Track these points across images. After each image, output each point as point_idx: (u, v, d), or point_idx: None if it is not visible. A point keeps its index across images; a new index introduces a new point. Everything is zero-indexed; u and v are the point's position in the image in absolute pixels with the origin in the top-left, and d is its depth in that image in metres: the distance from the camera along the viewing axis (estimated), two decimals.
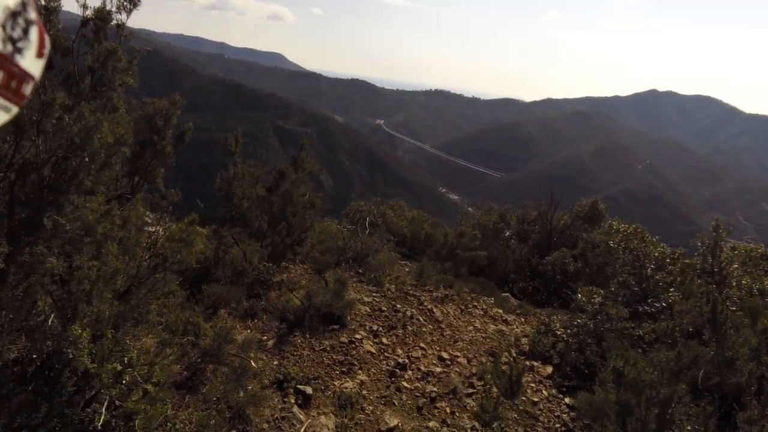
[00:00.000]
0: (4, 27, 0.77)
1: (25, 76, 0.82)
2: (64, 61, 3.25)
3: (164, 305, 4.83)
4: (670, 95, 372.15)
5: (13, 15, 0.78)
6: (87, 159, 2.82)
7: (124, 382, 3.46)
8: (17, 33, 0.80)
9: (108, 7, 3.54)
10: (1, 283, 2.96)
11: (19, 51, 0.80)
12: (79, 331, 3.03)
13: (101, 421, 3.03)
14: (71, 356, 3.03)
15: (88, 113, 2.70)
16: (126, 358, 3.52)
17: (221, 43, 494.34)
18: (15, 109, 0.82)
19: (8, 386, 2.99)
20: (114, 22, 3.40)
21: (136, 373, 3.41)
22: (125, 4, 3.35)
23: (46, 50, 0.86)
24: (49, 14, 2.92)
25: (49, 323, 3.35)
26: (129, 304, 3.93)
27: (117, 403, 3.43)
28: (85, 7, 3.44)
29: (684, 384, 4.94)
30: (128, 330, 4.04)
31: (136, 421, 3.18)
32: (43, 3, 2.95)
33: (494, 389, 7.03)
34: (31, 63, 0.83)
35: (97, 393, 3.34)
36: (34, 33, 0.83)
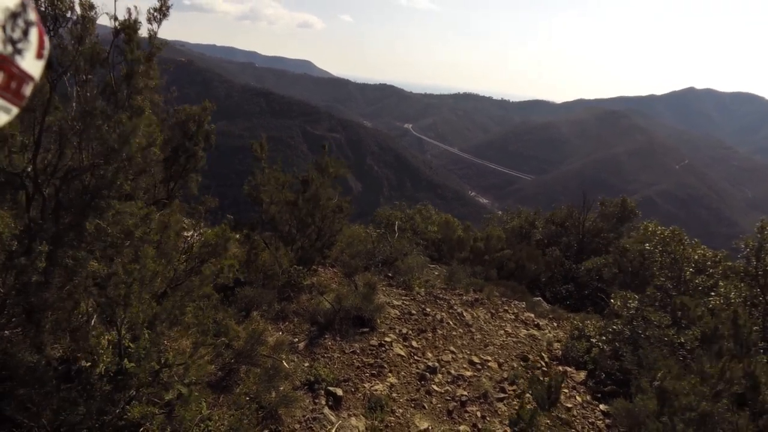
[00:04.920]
0: (4, 28, 0.77)
1: (25, 77, 0.83)
2: (102, 72, 3.41)
3: (199, 307, 4.96)
4: (709, 93, 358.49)
5: (13, 16, 0.78)
6: (125, 164, 2.94)
7: (160, 381, 3.58)
8: (17, 34, 0.80)
9: (134, 17, 3.67)
10: (46, 285, 3.11)
11: (19, 52, 0.81)
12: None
13: (136, 415, 3.13)
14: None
15: (126, 120, 2.83)
16: (163, 358, 3.64)
17: (252, 52, 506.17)
18: (15, 110, 0.83)
19: (52, 384, 3.14)
20: (146, 33, 3.54)
21: (173, 372, 3.52)
22: (155, 14, 3.48)
23: (46, 51, 0.86)
24: (86, 24, 3.06)
25: (92, 324, 3.50)
26: (166, 306, 4.06)
27: (154, 401, 3.54)
28: (115, 18, 3.58)
29: (726, 400, 4.72)
30: (164, 331, 4.18)
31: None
32: (79, 12, 3.10)
33: (527, 394, 6.91)
34: (31, 64, 0.83)
35: (136, 392, 3.46)
36: (33, 34, 0.83)
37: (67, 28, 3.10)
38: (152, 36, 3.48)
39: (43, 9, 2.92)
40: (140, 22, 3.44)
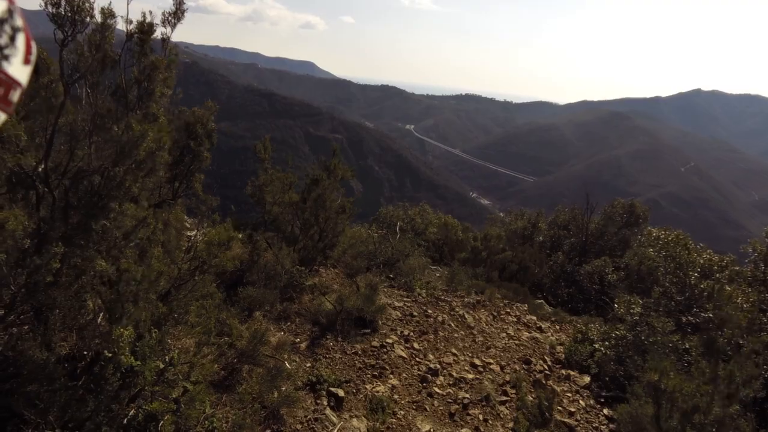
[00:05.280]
0: None
1: (12, 83, 0.82)
2: (113, 74, 3.43)
3: (203, 306, 4.99)
4: (716, 95, 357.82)
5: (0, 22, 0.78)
6: (134, 167, 2.97)
7: (166, 379, 3.61)
8: (4, 40, 0.79)
9: (149, 20, 3.69)
10: (55, 284, 3.14)
11: (5, 58, 0.80)
12: (121, 330, 3.18)
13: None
14: (111, 354, 3.18)
15: (135, 124, 2.86)
16: (168, 357, 3.67)
17: (255, 53, 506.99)
18: (3, 117, 0.82)
19: (59, 381, 3.17)
20: (159, 36, 3.56)
21: (177, 371, 3.55)
22: (170, 18, 3.50)
23: (33, 57, 0.86)
24: (105, 31, 3.09)
25: (98, 322, 3.54)
26: (170, 305, 4.09)
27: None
28: (129, 21, 3.61)
29: (737, 405, 4.70)
30: (169, 330, 4.21)
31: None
32: (99, 21, 3.13)
33: (528, 398, 6.91)
34: (18, 70, 0.83)
35: (141, 390, 3.49)
36: (20, 40, 0.82)
37: (86, 35, 3.11)
38: (166, 39, 3.51)
39: (63, 13, 2.93)
40: (156, 24, 3.46)
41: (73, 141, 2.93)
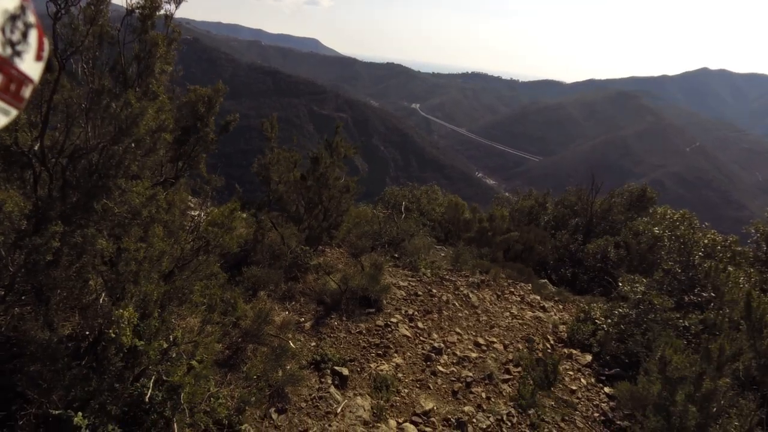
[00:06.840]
0: (3, 30, 0.77)
1: (24, 79, 0.83)
2: (111, 50, 3.35)
3: (206, 286, 4.99)
4: (723, 74, 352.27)
5: (12, 18, 0.78)
6: (133, 144, 2.91)
7: (170, 358, 3.62)
8: (16, 36, 0.80)
9: None
10: (55, 264, 3.12)
11: (18, 54, 0.81)
12: (121, 311, 3.17)
13: (149, 394, 3.18)
14: (113, 335, 3.18)
15: (134, 101, 2.79)
16: (171, 336, 3.67)
17: (258, 29, 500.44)
18: (15, 112, 0.83)
19: (63, 361, 3.18)
20: (162, 12, 3.46)
21: (181, 350, 3.55)
22: None
23: (45, 53, 0.86)
24: (99, 3, 3.00)
25: (100, 302, 3.53)
26: (174, 285, 4.08)
27: (164, 378, 3.59)
28: None
29: (728, 378, 4.73)
30: (173, 309, 4.21)
31: (182, 395, 3.31)
32: None
33: (527, 374, 6.95)
34: (30, 66, 0.84)
35: (145, 369, 3.51)
36: (32, 36, 0.83)
37: (80, 7, 3.03)
38: (169, 16, 3.41)
39: None
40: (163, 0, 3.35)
41: (70, 118, 2.86)
